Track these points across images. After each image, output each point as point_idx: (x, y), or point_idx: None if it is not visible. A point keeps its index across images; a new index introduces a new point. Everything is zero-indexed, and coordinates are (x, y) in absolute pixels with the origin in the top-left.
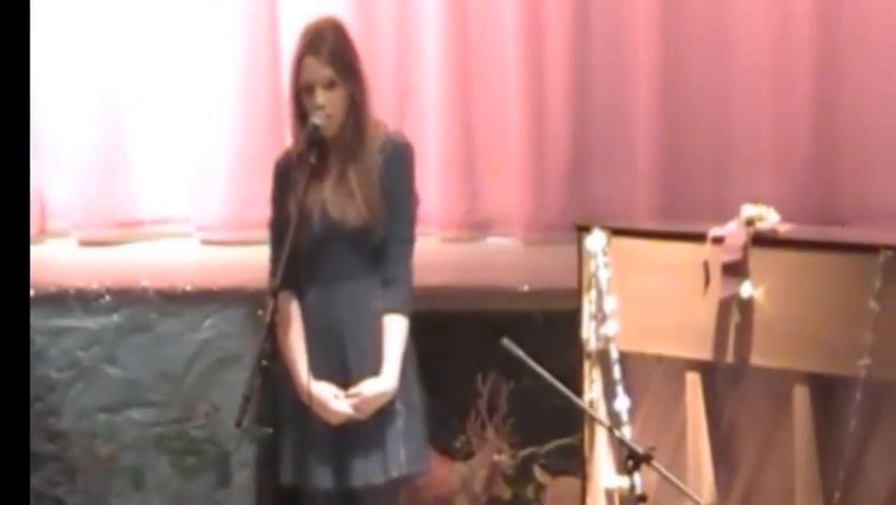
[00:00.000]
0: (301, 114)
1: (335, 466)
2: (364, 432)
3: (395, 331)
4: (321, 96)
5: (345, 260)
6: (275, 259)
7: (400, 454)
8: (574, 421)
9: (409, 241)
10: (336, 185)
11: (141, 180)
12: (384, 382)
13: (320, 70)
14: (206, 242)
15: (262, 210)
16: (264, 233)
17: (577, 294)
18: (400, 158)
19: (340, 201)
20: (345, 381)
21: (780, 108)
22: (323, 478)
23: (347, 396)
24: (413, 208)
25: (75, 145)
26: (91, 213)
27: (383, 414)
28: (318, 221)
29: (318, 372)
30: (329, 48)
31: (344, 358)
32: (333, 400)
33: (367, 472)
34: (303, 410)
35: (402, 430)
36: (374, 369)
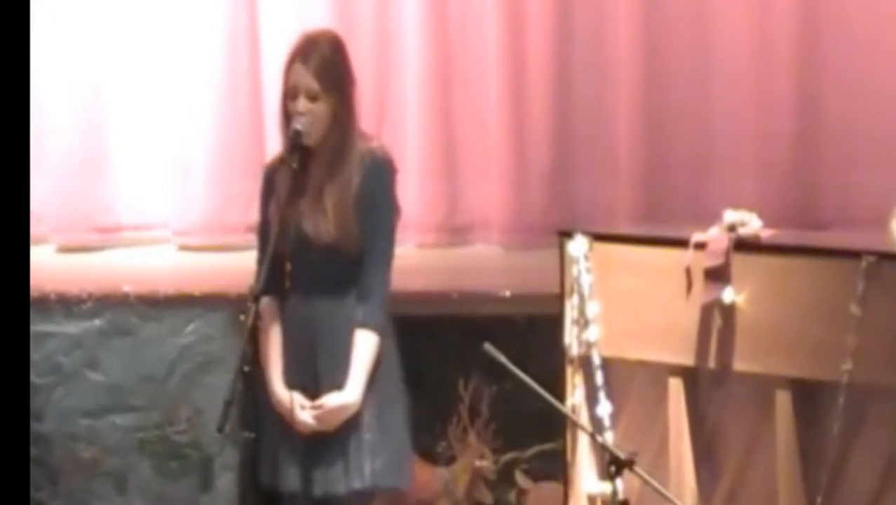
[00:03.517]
0: (287, 116)
1: (303, 471)
2: (329, 442)
3: (364, 346)
4: (303, 105)
5: (321, 272)
6: (260, 264)
7: (365, 467)
8: (556, 426)
9: (386, 256)
10: (312, 200)
11: (119, 185)
12: (346, 395)
13: (305, 79)
14: (184, 248)
15: (241, 214)
16: (243, 237)
17: (559, 299)
18: (380, 174)
19: (314, 218)
20: (315, 391)
21: (762, 112)
22: (292, 482)
23: (311, 408)
24: (392, 223)
25: (53, 150)
26: (70, 218)
27: (349, 426)
28: (293, 234)
29: (292, 381)
30: (319, 60)
31: (315, 368)
32: (299, 410)
33: (328, 481)
34: (279, 415)
35: (370, 442)
36: (344, 382)
